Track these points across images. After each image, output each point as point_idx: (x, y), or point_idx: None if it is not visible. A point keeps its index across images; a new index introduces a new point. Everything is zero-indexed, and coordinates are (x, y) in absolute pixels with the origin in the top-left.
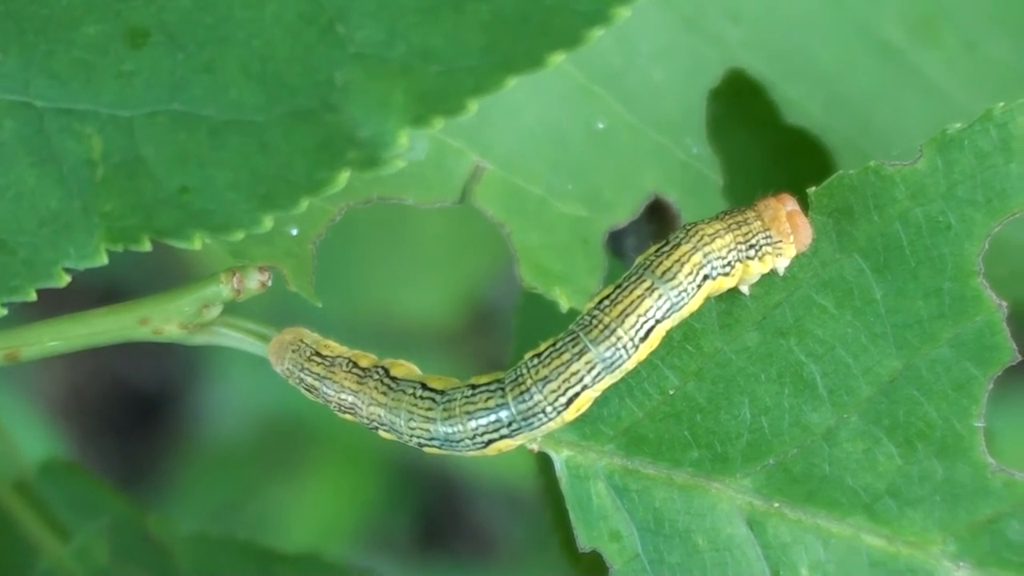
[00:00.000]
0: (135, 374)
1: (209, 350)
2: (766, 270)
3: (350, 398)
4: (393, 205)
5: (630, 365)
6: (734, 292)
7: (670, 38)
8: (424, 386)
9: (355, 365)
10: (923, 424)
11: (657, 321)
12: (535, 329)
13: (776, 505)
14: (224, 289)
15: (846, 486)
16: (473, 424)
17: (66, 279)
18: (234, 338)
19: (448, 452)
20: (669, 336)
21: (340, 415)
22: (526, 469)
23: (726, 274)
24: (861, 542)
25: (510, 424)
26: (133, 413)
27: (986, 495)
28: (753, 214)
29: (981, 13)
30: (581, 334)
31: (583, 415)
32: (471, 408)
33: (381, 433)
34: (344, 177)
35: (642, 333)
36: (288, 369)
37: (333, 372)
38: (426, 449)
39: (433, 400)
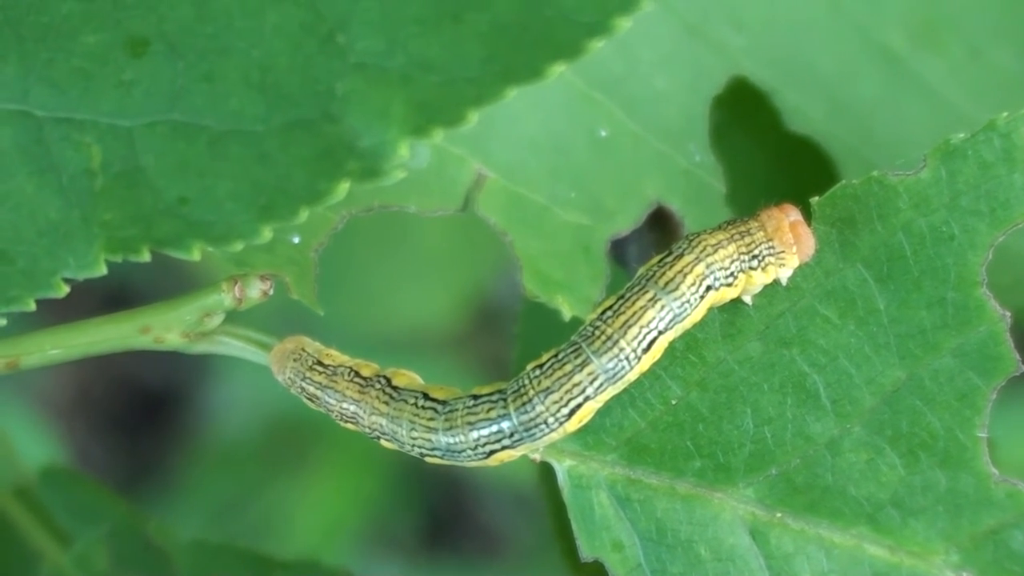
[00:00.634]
0: (142, 373)
1: None
2: (769, 280)
3: (352, 407)
4: (403, 211)
5: (632, 376)
6: (737, 302)
7: (673, 45)
8: (426, 396)
9: (357, 374)
10: (926, 434)
11: (660, 332)
12: (538, 334)
13: (779, 515)
14: (226, 298)
15: (849, 496)
16: (475, 434)
17: (65, 289)
18: (235, 347)
19: (450, 462)
20: (672, 346)
21: (342, 424)
22: (532, 469)
23: (729, 284)
24: (864, 552)
25: (512, 435)
26: (140, 411)
27: (989, 505)
28: (756, 224)
29: (985, 20)
30: (584, 345)
31: (585, 425)
32: (473, 418)
33: (383, 443)
34: (344, 188)
35: (645, 344)
36: (290, 378)
37: (335, 381)
38: (428, 459)
39: (435, 410)
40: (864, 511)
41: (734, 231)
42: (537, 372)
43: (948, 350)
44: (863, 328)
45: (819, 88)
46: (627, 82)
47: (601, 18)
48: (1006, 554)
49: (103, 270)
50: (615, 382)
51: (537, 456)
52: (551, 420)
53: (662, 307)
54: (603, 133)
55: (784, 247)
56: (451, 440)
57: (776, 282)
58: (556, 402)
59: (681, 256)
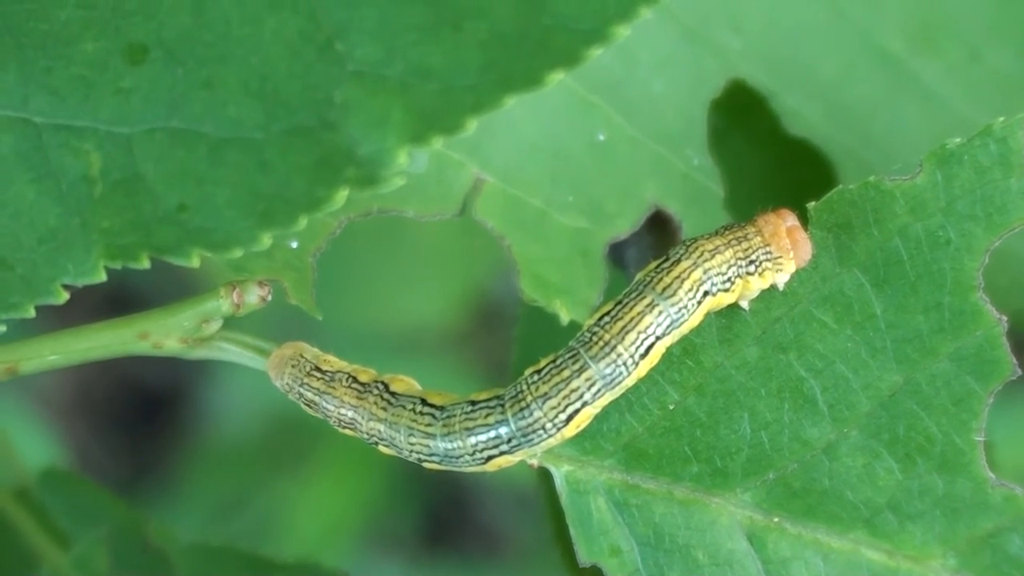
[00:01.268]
0: (143, 373)
1: None
2: (766, 285)
3: (350, 413)
4: (401, 215)
5: (630, 382)
6: (734, 307)
7: (671, 49)
8: (424, 402)
9: (355, 380)
10: (923, 439)
11: (657, 338)
12: (538, 338)
13: (776, 520)
14: (224, 304)
15: (846, 500)
16: (473, 440)
17: (65, 296)
18: (234, 352)
19: (448, 468)
20: (669, 351)
21: (340, 430)
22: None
23: (726, 290)
24: (861, 556)
25: (510, 440)
26: (140, 412)
27: (986, 509)
28: (753, 230)
29: (983, 22)
30: (581, 351)
31: (583, 430)
32: (471, 424)
33: (381, 448)
34: (343, 195)
35: (642, 350)
36: (288, 384)
37: (333, 387)
38: (426, 464)
39: (433, 416)
40: (861, 515)
41: (731, 236)
42: (535, 378)
43: (945, 354)
44: (860, 333)
45: (817, 91)
46: (625, 86)
47: (600, 26)
48: (1003, 558)
49: (102, 277)
50: (613, 388)
51: (535, 461)
52: (549, 426)
53: (660, 312)
54: (601, 137)
55: (781, 252)
56: (449, 446)
57: (773, 287)
58: (554, 408)
59: (678, 262)
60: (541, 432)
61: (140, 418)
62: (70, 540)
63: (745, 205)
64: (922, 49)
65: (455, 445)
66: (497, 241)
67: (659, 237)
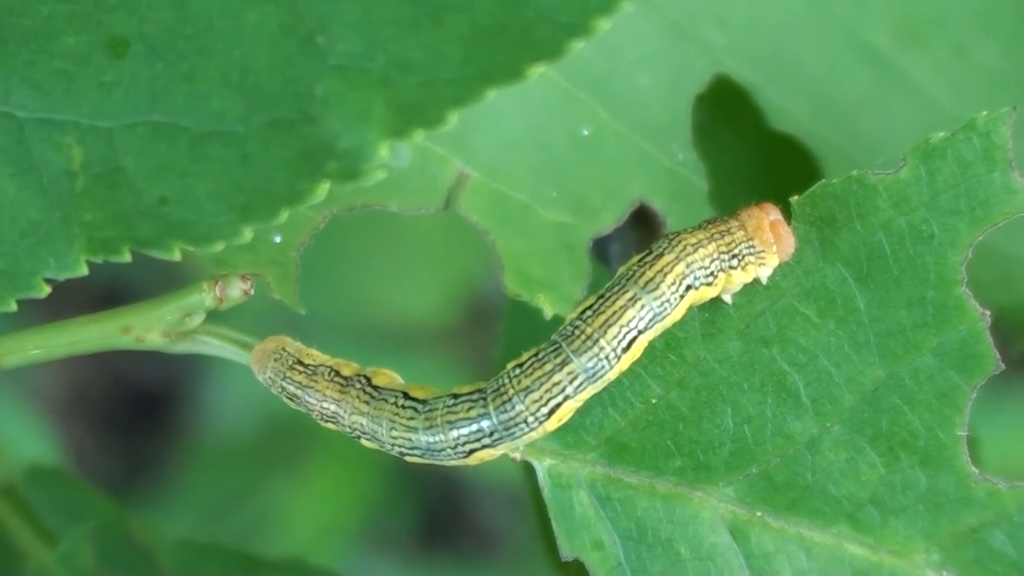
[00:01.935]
0: (138, 372)
1: None
2: (749, 279)
3: (332, 407)
4: (385, 210)
5: (612, 375)
6: (717, 301)
7: (656, 43)
8: (406, 395)
9: (337, 374)
10: (906, 433)
11: (640, 332)
12: (524, 333)
13: (759, 514)
14: (206, 298)
15: (829, 495)
16: (455, 434)
17: (46, 289)
18: (217, 346)
19: (430, 461)
20: (652, 345)
21: (323, 424)
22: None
23: (709, 284)
24: (844, 551)
25: (492, 434)
26: (136, 410)
27: (969, 504)
28: (736, 224)
29: (970, 19)
30: (563, 344)
31: (566, 424)
32: (452, 418)
33: (363, 442)
34: (324, 189)
35: (624, 344)
36: (270, 378)
37: (315, 381)
38: (408, 458)
39: (415, 409)
40: (844, 510)
41: (714, 230)
42: (517, 371)
43: (928, 349)
44: (843, 327)
45: (803, 87)
46: (610, 80)
47: (581, 19)
48: (987, 553)
49: (84, 270)
50: (595, 381)
51: (518, 455)
52: (531, 419)
53: (642, 306)
54: (586, 132)
55: (764, 246)
56: (431, 439)
57: (756, 281)
58: (536, 401)
59: (661, 255)
60: (523, 426)
61: (135, 417)
62: (56, 537)
63: (730, 201)
64: (908, 45)
65: (437, 439)
66: (481, 236)
67: (643, 232)
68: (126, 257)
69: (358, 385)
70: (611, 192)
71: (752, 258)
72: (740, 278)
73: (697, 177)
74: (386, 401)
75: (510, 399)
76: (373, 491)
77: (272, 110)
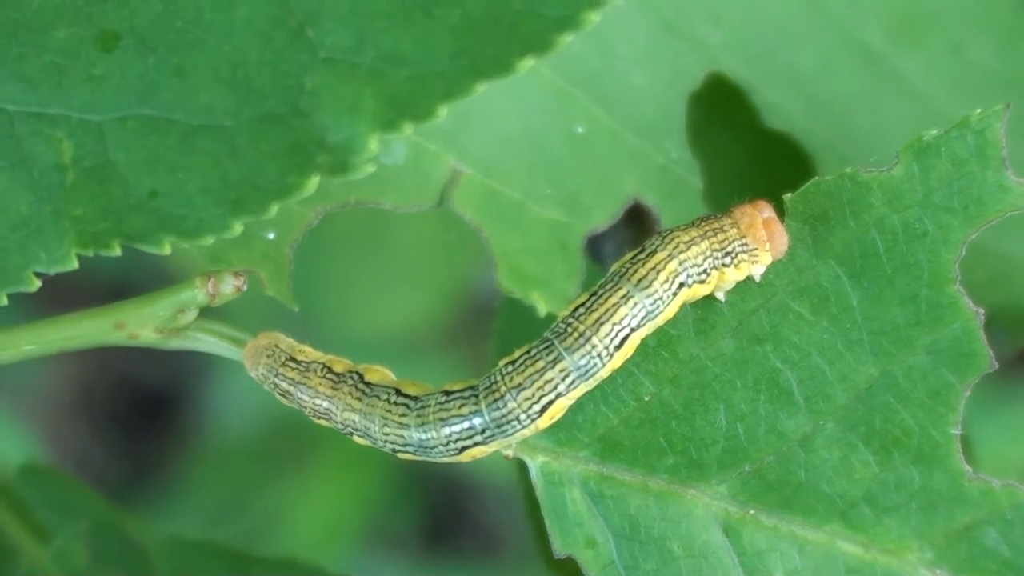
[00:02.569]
0: (143, 373)
1: None
2: (742, 277)
3: (324, 403)
4: (378, 207)
5: (605, 373)
6: (710, 299)
7: (650, 41)
8: (398, 392)
9: (330, 371)
10: (899, 431)
11: (632, 329)
12: (518, 330)
13: (752, 512)
14: (199, 294)
15: (822, 493)
16: (447, 431)
17: (37, 283)
18: (210, 343)
19: (422, 458)
20: (644, 342)
21: (315, 420)
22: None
23: (702, 281)
24: (837, 549)
25: (484, 431)
26: (141, 411)
27: (963, 502)
28: (729, 221)
29: (964, 16)
30: (556, 342)
31: (559, 421)
32: (445, 415)
33: (355, 439)
34: (314, 182)
35: (617, 341)
36: (262, 374)
37: (308, 377)
38: (400, 455)
39: (407, 406)
40: (837, 508)
41: (707, 228)
42: (509, 368)
43: (921, 347)
44: (836, 325)
45: (797, 84)
46: (604, 78)
47: (570, 12)
48: (980, 551)
49: (74, 264)
50: (587, 379)
51: (510, 452)
52: (523, 416)
53: (635, 304)
54: (580, 129)
55: (757, 244)
56: (423, 436)
57: (749, 279)
58: (528, 399)
59: (654, 253)
60: (515, 423)
61: (140, 418)
62: (50, 535)
63: (724, 198)
64: (902, 43)
65: (429, 435)
66: (475, 233)
67: (637, 230)
68: (116, 251)
69: (350, 382)
70: (605, 189)
71: (745, 256)
72: (733, 276)
73: (691, 175)
74: (378, 398)
75: (502, 396)
76: (377, 493)
77: (262, 104)
